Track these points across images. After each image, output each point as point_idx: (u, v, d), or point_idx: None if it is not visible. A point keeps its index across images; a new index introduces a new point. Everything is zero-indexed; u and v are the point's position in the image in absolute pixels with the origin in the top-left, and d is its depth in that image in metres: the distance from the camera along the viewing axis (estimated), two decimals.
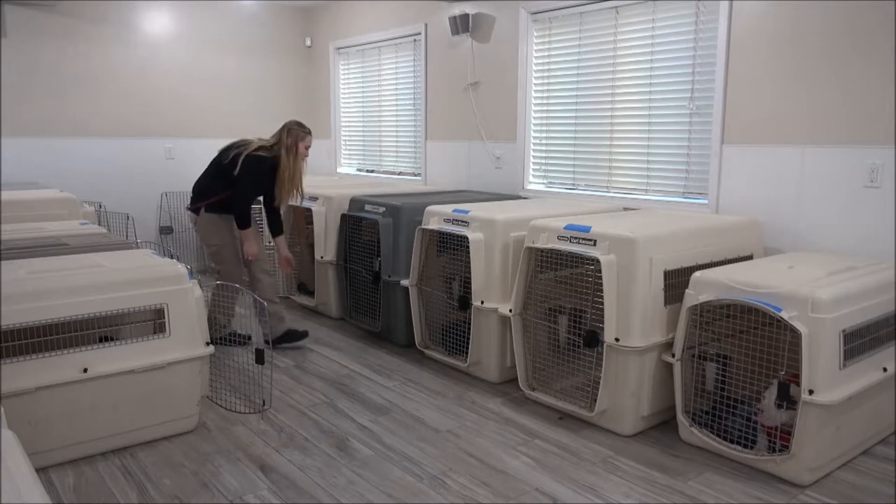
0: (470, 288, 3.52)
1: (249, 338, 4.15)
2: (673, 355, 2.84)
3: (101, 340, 2.68)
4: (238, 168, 3.71)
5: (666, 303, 2.92)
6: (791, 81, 3.39)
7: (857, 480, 2.57)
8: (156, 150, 6.12)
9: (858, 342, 2.58)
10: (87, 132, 5.76)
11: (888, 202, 3.12)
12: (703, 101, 3.75)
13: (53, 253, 3.08)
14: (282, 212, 4.07)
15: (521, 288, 3.24)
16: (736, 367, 2.88)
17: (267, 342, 3.87)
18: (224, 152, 3.82)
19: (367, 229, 4.34)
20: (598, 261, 2.88)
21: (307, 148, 3.87)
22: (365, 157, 6.45)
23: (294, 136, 3.81)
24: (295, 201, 4.06)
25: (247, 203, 3.79)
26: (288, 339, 4.08)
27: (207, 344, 2.89)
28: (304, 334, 4.12)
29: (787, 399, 2.54)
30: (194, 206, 3.87)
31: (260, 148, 3.78)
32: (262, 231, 4.56)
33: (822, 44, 3.26)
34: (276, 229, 4.11)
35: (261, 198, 4.03)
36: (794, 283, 2.54)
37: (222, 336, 4.05)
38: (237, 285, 3.76)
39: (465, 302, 3.61)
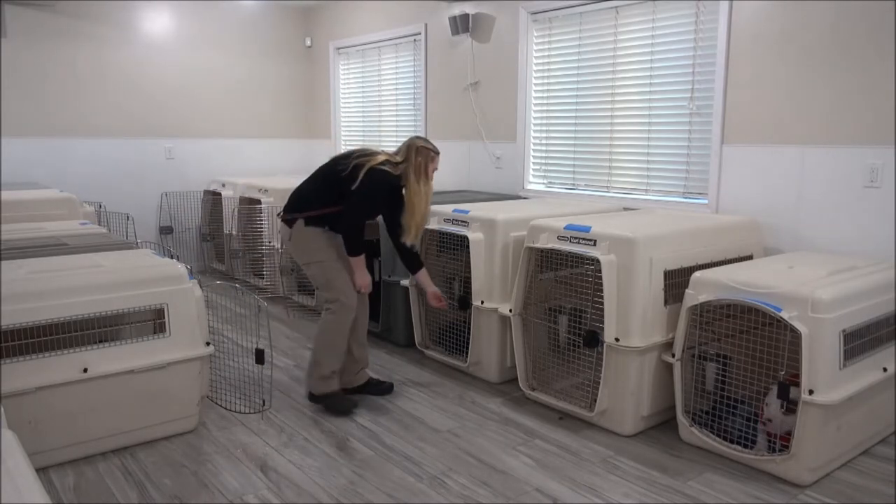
0: (470, 288, 3.51)
1: (392, 386, 3.47)
2: (673, 355, 2.84)
3: (101, 340, 2.68)
4: (358, 181, 3.07)
5: (666, 303, 2.92)
6: (791, 81, 3.39)
7: (857, 480, 2.57)
8: (156, 150, 6.11)
9: (858, 342, 2.58)
10: (87, 132, 5.75)
11: (888, 202, 3.12)
12: (703, 101, 3.74)
13: (53, 253, 3.08)
14: (413, 245, 3.31)
15: (521, 288, 3.24)
16: (736, 367, 2.88)
17: (267, 343, 3.85)
18: (340, 160, 3.19)
19: (366, 229, 4.32)
20: (598, 261, 2.88)
21: (434, 171, 3.26)
22: None
23: (424, 156, 3.17)
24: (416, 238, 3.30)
25: (359, 223, 3.18)
26: (327, 402, 3.24)
27: (207, 344, 2.89)
28: (350, 406, 3.24)
29: (787, 400, 2.54)
30: (289, 217, 3.20)
31: (386, 162, 3.15)
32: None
33: (823, 44, 3.26)
34: (414, 264, 3.38)
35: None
36: (794, 283, 2.54)
37: (359, 386, 3.39)
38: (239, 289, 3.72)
39: (465, 302, 3.61)
